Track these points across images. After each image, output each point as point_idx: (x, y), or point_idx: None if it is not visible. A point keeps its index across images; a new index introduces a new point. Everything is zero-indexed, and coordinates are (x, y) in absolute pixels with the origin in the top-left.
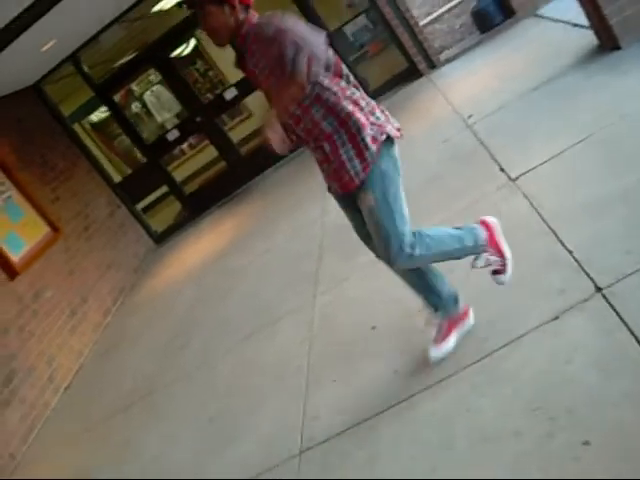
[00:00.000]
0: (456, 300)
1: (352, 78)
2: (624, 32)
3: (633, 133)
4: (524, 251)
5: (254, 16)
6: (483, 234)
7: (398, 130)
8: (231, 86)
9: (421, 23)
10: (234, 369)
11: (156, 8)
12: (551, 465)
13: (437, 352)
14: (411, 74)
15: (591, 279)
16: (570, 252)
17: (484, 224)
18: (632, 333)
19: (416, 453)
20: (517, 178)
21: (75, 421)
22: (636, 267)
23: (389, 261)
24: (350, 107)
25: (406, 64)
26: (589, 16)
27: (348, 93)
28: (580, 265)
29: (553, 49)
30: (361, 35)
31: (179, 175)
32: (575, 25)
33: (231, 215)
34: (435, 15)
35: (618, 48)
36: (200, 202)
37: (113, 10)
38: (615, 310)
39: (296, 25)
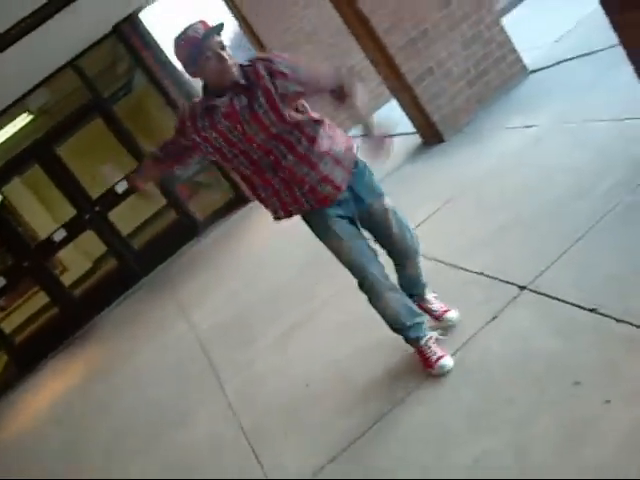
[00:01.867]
0: None
1: None
2: (445, 127)
3: (482, 189)
4: (436, 286)
5: None
6: None
7: None
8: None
9: None
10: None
11: None
12: (553, 407)
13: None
14: (239, 201)
15: (511, 283)
16: (480, 273)
17: None
18: (573, 304)
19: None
20: None
21: None
22: (548, 264)
23: (418, 250)
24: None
25: (234, 192)
26: (413, 119)
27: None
28: (494, 278)
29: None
30: (190, 166)
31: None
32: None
33: (80, 356)
34: None
35: (443, 141)
36: (33, 351)
37: None
38: (548, 295)
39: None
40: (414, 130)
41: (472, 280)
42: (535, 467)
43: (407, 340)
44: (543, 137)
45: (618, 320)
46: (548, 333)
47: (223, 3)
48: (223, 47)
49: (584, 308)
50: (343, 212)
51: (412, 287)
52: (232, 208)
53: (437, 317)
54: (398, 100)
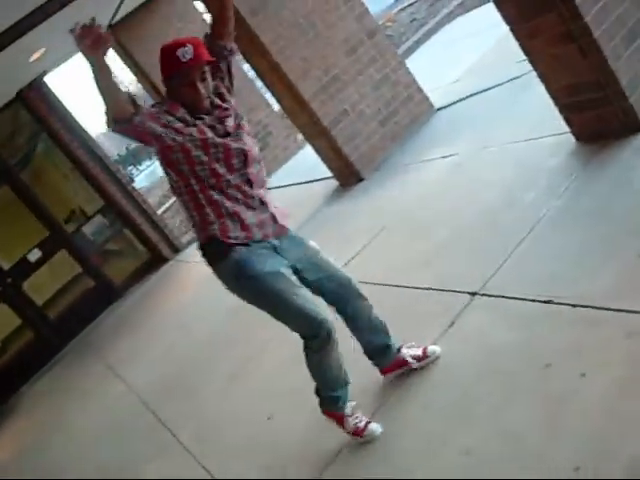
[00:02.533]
0: None
1: None
2: (363, 165)
3: (414, 215)
4: (387, 307)
5: None
6: None
7: None
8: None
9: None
10: None
11: None
12: (530, 391)
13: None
14: (157, 261)
15: (461, 292)
16: (428, 288)
17: None
18: (528, 300)
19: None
20: (346, 264)
21: None
22: (494, 269)
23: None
24: None
25: (150, 253)
26: (330, 162)
27: None
28: (443, 290)
29: (306, 204)
30: (101, 233)
31: None
32: (311, 182)
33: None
34: (167, 205)
35: (362, 179)
36: None
37: None
38: (501, 296)
39: None
40: (330, 175)
41: (422, 295)
42: (527, 448)
43: (331, 406)
44: (464, 163)
45: (574, 305)
46: (508, 328)
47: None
48: (204, 78)
49: (539, 301)
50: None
51: (378, 337)
52: (151, 268)
53: (421, 358)
54: (314, 146)
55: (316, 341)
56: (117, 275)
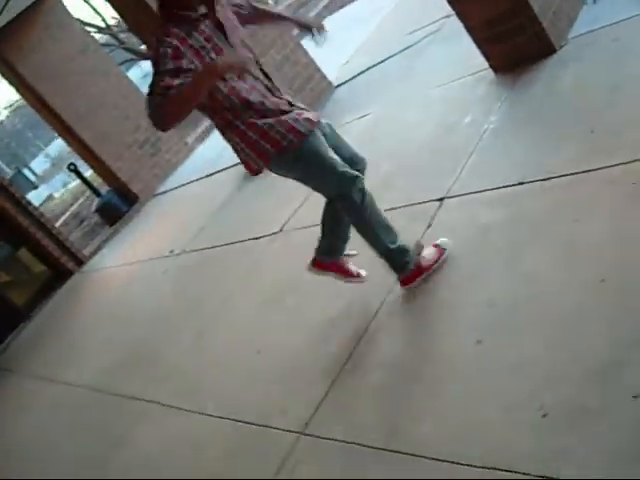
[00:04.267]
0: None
1: None
2: None
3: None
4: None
5: None
6: None
7: None
8: None
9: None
10: None
11: None
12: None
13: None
14: (61, 277)
15: (428, 201)
16: (392, 209)
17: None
18: (499, 187)
19: None
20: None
21: None
22: (455, 176)
23: None
24: None
25: (52, 270)
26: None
27: None
28: (408, 205)
29: (206, 201)
30: None
31: None
32: (211, 175)
33: None
34: (61, 220)
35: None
36: None
37: None
38: (472, 193)
39: None
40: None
41: (388, 216)
42: (547, 285)
43: (409, 256)
44: (385, 116)
45: (547, 179)
46: (490, 210)
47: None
48: None
49: (510, 185)
50: None
51: None
52: (55, 285)
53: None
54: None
55: (359, 191)
56: (19, 298)
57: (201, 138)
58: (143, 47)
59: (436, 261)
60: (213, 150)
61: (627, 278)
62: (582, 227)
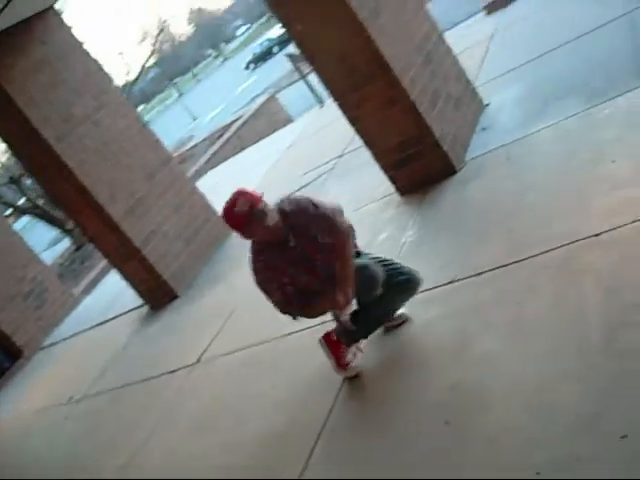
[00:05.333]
0: None
1: None
2: (176, 283)
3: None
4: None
5: None
6: None
7: None
8: None
9: None
10: None
11: None
12: None
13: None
14: None
15: None
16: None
17: None
18: (429, 289)
19: None
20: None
21: None
22: None
23: None
24: None
25: None
26: (141, 284)
27: None
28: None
29: (104, 346)
30: None
31: None
32: (104, 322)
33: None
34: None
35: (176, 297)
36: None
37: None
38: None
39: None
40: (139, 304)
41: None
42: None
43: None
44: None
45: (479, 274)
46: (427, 308)
47: None
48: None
49: (442, 285)
50: None
51: None
52: None
53: None
54: (122, 271)
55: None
56: None
57: (87, 290)
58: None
59: None
60: (102, 300)
61: (581, 344)
62: (526, 308)
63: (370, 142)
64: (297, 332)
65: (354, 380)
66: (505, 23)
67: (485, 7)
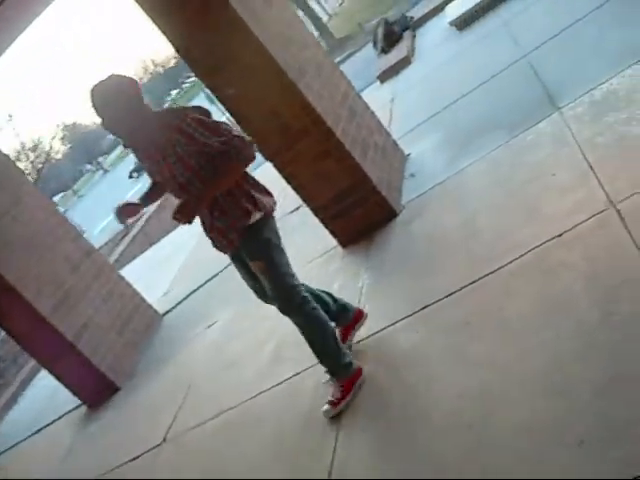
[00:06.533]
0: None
1: None
2: (116, 375)
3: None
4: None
5: None
6: None
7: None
8: None
9: None
10: None
11: None
12: None
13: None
14: None
15: None
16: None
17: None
18: (398, 320)
19: None
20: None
21: None
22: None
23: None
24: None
25: None
26: (78, 381)
27: None
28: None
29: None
30: None
31: None
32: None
33: None
34: None
35: (118, 389)
36: None
37: None
38: (375, 332)
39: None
40: (76, 404)
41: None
42: None
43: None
44: (234, 321)
45: (449, 295)
46: (408, 334)
47: None
48: None
49: (416, 312)
50: None
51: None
52: None
53: None
54: (54, 372)
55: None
56: None
57: (8, 406)
58: None
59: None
60: (28, 411)
61: (579, 326)
62: (508, 311)
63: (306, 197)
64: (266, 391)
65: (353, 413)
66: (402, 88)
67: (378, 77)
